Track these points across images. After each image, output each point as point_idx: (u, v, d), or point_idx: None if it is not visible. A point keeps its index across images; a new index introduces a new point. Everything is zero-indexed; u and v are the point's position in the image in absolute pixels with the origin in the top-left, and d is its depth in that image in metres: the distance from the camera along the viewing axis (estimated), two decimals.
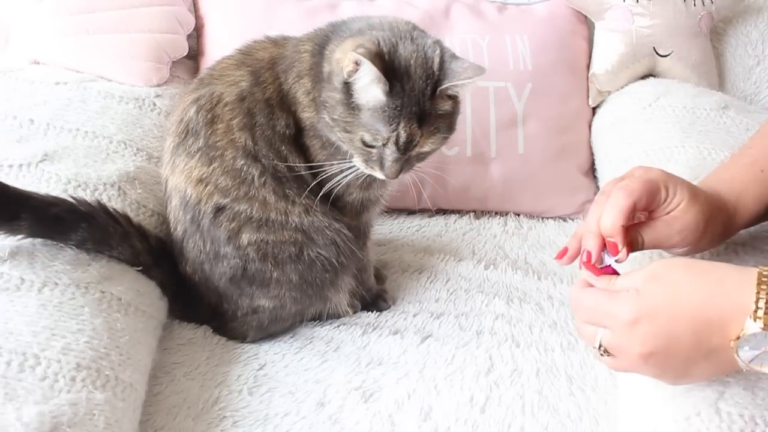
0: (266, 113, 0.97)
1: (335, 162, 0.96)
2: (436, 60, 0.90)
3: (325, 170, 0.99)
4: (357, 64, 0.86)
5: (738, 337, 0.64)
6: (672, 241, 0.79)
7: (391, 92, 0.87)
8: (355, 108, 0.90)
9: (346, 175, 0.97)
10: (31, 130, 1.10)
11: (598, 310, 0.71)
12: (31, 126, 1.11)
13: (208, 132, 0.96)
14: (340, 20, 1.00)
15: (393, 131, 0.89)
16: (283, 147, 0.97)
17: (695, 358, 0.67)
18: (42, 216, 0.88)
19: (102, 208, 0.95)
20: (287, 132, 0.97)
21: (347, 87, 0.89)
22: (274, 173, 0.97)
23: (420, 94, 0.89)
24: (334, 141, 0.96)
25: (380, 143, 0.91)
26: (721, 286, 0.66)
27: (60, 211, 0.90)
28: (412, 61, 0.89)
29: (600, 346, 0.71)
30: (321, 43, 0.96)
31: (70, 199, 0.93)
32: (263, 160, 0.96)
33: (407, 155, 0.92)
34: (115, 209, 0.97)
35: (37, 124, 1.11)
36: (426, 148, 0.93)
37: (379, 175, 0.94)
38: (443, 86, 0.90)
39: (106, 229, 0.94)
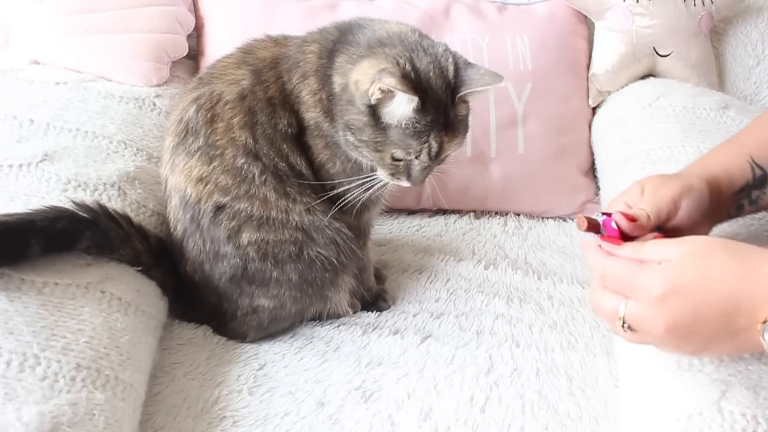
0: (268, 112, 0.97)
1: (356, 179, 0.97)
2: (451, 68, 0.92)
3: (327, 171, 0.99)
4: (383, 91, 0.87)
5: (765, 321, 0.64)
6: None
7: (421, 108, 0.88)
8: (384, 128, 0.91)
9: (364, 190, 0.98)
10: (31, 130, 1.10)
11: (627, 281, 0.69)
12: (31, 126, 1.10)
13: (208, 131, 0.96)
14: (344, 24, 1.00)
15: (424, 143, 0.91)
16: (285, 145, 0.97)
17: (719, 336, 0.67)
18: (49, 235, 0.87)
19: (103, 211, 0.95)
20: (289, 131, 0.97)
21: (373, 109, 0.90)
22: (275, 171, 0.97)
23: (443, 104, 0.91)
24: (354, 158, 0.97)
25: (412, 156, 0.92)
26: (755, 272, 0.65)
27: (65, 224, 0.89)
28: (431, 74, 0.90)
29: (622, 320, 0.70)
30: (328, 47, 0.97)
31: (71, 206, 0.92)
32: (264, 158, 0.96)
33: (435, 162, 0.94)
34: (115, 210, 0.97)
35: (37, 124, 1.11)
36: (450, 152, 0.95)
37: (405, 184, 0.96)
38: (461, 93, 0.91)
39: (108, 234, 0.94)
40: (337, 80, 0.94)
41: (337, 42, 0.97)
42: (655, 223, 0.77)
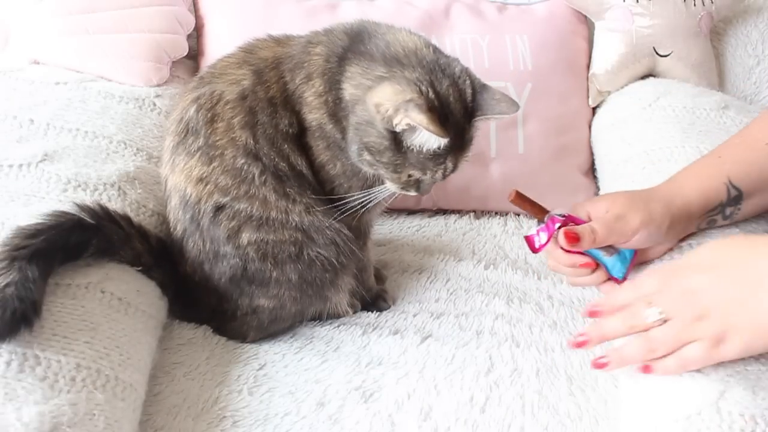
0: (269, 112, 0.96)
1: (359, 193, 0.98)
2: (469, 92, 0.92)
3: (328, 172, 0.99)
4: (410, 125, 0.87)
5: None
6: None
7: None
8: (405, 151, 0.91)
9: (369, 201, 0.98)
10: (31, 130, 1.10)
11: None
12: (31, 126, 1.11)
13: (209, 131, 0.96)
14: (352, 30, 0.98)
15: (441, 165, 0.92)
16: (285, 146, 0.97)
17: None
18: (66, 249, 0.87)
19: (104, 213, 0.95)
20: (290, 131, 0.97)
21: (395, 135, 0.90)
22: (275, 172, 0.97)
23: (461, 128, 0.92)
24: (364, 171, 0.97)
25: (428, 176, 0.94)
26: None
27: (77, 236, 0.89)
28: (450, 98, 0.90)
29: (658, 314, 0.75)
30: (338, 53, 0.95)
31: (75, 210, 0.92)
32: (264, 158, 0.96)
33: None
34: (116, 212, 0.97)
35: (37, 124, 1.11)
36: (460, 167, 0.96)
37: (412, 194, 0.98)
38: (477, 119, 0.92)
39: (110, 237, 0.94)
40: (349, 90, 0.93)
41: (347, 49, 0.95)
42: (598, 245, 0.86)
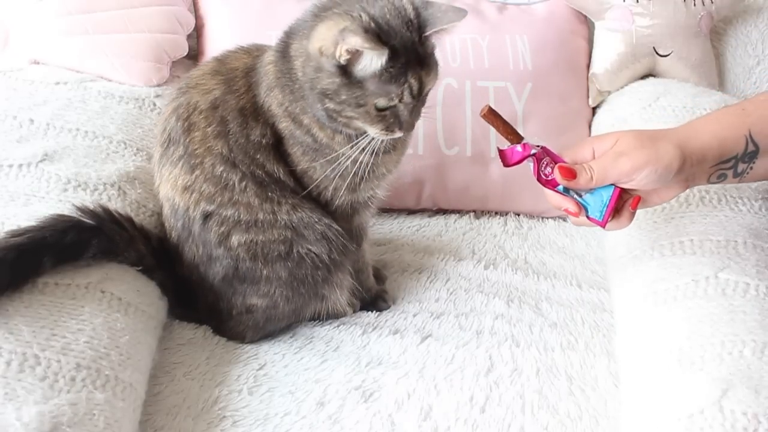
0: (239, 122, 0.96)
1: (347, 148, 0.95)
2: (409, 9, 0.89)
3: (310, 177, 0.99)
4: (350, 51, 0.85)
5: None
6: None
7: (392, 56, 0.86)
8: (360, 82, 0.88)
9: (336, 174, 0.96)
10: (31, 130, 1.10)
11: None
12: (31, 126, 1.11)
13: (187, 140, 0.97)
14: (288, 28, 0.98)
15: (404, 84, 0.88)
16: (259, 155, 0.97)
17: None
18: (60, 249, 0.88)
19: (107, 214, 0.95)
20: (263, 141, 0.97)
21: (344, 69, 0.88)
22: (254, 178, 0.97)
23: (411, 42, 0.88)
24: (336, 127, 0.94)
25: (396, 101, 0.90)
26: None
27: (73, 236, 0.89)
28: (388, 17, 0.88)
29: None
30: (281, 49, 0.96)
31: (75, 213, 0.92)
32: (241, 166, 0.96)
33: (419, 100, 0.92)
34: (118, 213, 0.98)
35: (37, 124, 1.11)
36: (430, 87, 0.93)
37: (398, 134, 0.93)
38: (428, 33, 0.89)
39: (113, 239, 0.94)
40: (298, 65, 0.93)
41: (286, 40, 0.96)
42: (596, 185, 0.85)
